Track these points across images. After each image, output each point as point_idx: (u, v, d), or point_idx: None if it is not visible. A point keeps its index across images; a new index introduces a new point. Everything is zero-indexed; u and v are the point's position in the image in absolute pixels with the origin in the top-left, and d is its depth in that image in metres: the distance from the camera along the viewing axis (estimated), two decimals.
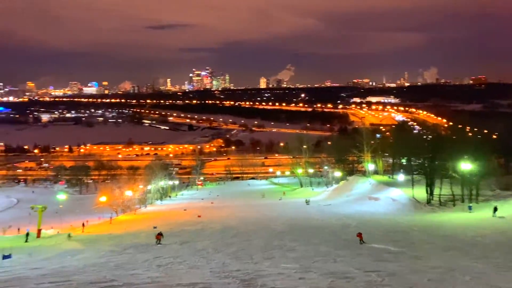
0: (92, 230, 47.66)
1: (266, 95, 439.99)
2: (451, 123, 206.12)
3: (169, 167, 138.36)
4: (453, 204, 47.40)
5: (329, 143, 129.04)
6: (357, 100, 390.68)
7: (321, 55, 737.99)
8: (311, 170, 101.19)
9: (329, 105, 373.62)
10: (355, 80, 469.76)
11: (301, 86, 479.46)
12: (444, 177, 50.83)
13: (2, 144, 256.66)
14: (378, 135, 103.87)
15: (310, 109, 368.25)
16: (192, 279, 15.73)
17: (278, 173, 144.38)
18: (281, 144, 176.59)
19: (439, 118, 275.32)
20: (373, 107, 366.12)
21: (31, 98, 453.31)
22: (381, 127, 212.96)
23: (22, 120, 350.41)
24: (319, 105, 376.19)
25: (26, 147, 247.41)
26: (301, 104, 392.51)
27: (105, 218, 60.47)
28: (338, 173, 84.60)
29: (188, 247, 27.69)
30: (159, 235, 30.64)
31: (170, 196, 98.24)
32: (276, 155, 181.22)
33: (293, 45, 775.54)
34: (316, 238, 29.45)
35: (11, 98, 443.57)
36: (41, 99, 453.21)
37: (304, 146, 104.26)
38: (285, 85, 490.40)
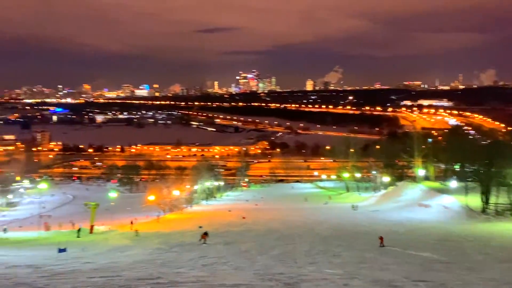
0: (140, 228, 49.27)
1: (313, 97, 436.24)
2: (510, 128, 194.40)
3: (215, 168, 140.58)
4: (511, 214, 44.60)
5: (377, 147, 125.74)
6: (408, 103, 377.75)
7: (370, 56, 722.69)
8: (358, 175, 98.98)
9: (378, 108, 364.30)
10: (405, 83, 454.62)
11: (349, 88, 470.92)
12: (501, 185, 47.90)
13: (60, 143, 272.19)
14: (429, 140, 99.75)
15: (358, 112, 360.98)
16: (236, 280, 15.81)
17: (324, 176, 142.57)
18: (327, 147, 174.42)
19: (497, 123, 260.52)
20: (425, 110, 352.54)
21: (87, 99, 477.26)
22: (433, 131, 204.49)
23: (79, 120, 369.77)
24: (367, 108, 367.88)
25: (81, 146, 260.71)
26: (348, 107, 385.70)
27: (152, 217, 62.33)
28: (386, 178, 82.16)
29: (232, 248, 27.93)
30: (205, 235, 31.11)
31: (215, 197, 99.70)
32: (322, 158, 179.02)
33: (341, 47, 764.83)
34: (362, 244, 28.72)
35: (69, 100, 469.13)
36: (96, 100, 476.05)
37: (351, 150, 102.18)
38: (332, 87, 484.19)
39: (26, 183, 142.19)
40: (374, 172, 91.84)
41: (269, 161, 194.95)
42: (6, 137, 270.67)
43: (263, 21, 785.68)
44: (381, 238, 27.58)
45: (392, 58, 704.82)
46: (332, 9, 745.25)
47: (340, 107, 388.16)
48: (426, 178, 72.65)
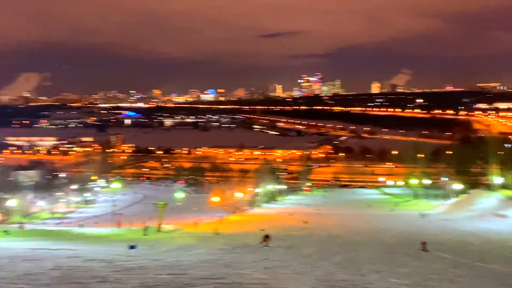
0: (203, 228, 50.72)
1: (379, 100, 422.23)
2: None
3: (277, 171, 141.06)
4: None
5: (448, 152, 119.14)
6: (483, 106, 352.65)
7: (441, 57, 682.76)
8: (427, 181, 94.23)
9: (449, 112, 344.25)
10: (480, 84, 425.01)
11: (418, 91, 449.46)
12: None
13: (132, 145, 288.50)
14: (507, 145, 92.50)
15: (427, 116, 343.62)
16: (298, 284, 15.74)
17: (390, 182, 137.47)
18: (394, 152, 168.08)
19: None
20: (502, 114, 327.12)
21: (157, 104, 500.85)
22: (511, 137, 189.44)
23: (149, 124, 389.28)
24: (437, 111, 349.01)
25: (151, 148, 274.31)
26: (417, 110, 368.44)
27: (216, 217, 63.93)
28: (458, 186, 77.41)
29: (294, 252, 27.82)
30: (266, 238, 31.28)
31: (276, 200, 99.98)
32: (388, 163, 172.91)
33: (409, 48, 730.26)
34: (431, 254, 27.28)
35: (140, 104, 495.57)
36: (165, 105, 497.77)
37: (420, 155, 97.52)
38: (400, 90, 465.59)
39: (101, 182, 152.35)
40: (444, 178, 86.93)
41: (329, 165, 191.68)
42: (84, 139, 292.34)
43: (327, 23, 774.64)
44: (423, 243, 27.64)
45: (465, 58, 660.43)
46: (399, 9, 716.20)
47: (408, 110, 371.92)
48: (504, 186, 67.45)
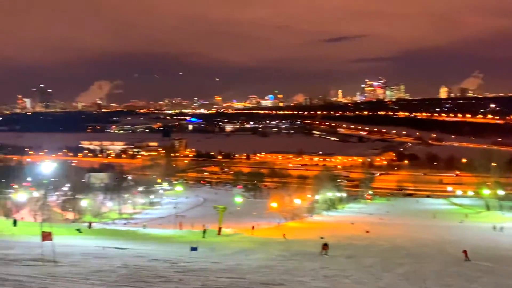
0: (260, 234, 50.89)
1: (447, 105, 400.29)
2: None
3: (337, 178, 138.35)
4: None
5: None
6: None
7: None
8: (501, 192, 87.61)
9: None
10: None
11: (491, 95, 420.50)
12: None
13: (194, 150, 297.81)
14: None
15: (501, 122, 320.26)
16: None
17: (459, 192, 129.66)
18: (464, 160, 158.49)
19: None
20: None
21: (218, 110, 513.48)
22: None
23: (210, 129, 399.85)
24: None
25: (212, 153, 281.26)
26: (490, 116, 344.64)
27: (274, 223, 63.90)
28: None
29: (355, 262, 27.03)
30: (326, 246, 30.71)
31: (336, 208, 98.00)
32: (457, 172, 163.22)
33: (482, 50, 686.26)
34: (506, 270, 25.23)
35: (202, 111, 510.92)
36: (225, 111, 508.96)
37: (494, 164, 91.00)
38: (470, 94, 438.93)
39: (165, 185, 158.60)
40: None
41: (387, 173, 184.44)
42: (150, 143, 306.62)
43: (392, 26, 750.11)
44: (465, 252, 27.15)
45: None
46: (472, 9, 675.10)
47: (479, 116, 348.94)
48: None
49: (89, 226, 50.95)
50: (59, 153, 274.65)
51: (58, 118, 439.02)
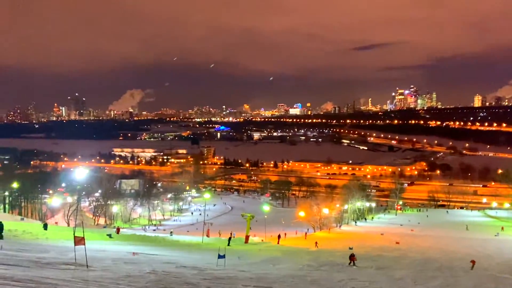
0: (288, 243, 50.47)
1: (481, 114, 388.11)
2: None
3: (367, 188, 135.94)
4: None
5: None
6: None
7: None
8: None
9: None
10: None
11: None
12: None
13: (222, 157, 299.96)
14: None
15: None
16: None
17: (495, 204, 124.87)
18: (500, 170, 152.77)
19: None
20: None
21: (246, 118, 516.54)
22: None
23: (238, 137, 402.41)
24: None
25: (240, 161, 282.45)
26: None
27: (301, 233, 63.28)
28: None
29: (385, 274, 26.39)
30: (353, 257, 30.18)
31: (366, 219, 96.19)
32: (493, 183, 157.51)
33: None
34: None
35: (231, 119, 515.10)
36: (253, 119, 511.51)
37: None
38: (506, 103, 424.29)
39: (193, 192, 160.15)
40: None
41: (412, 183, 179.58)
42: (180, 151, 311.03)
43: (422, 33, 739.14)
44: (473, 262, 27.39)
45: None
46: (508, 16, 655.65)
47: None
48: None
49: (117, 232, 51.95)
50: (92, 160, 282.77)
51: (91, 125, 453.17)
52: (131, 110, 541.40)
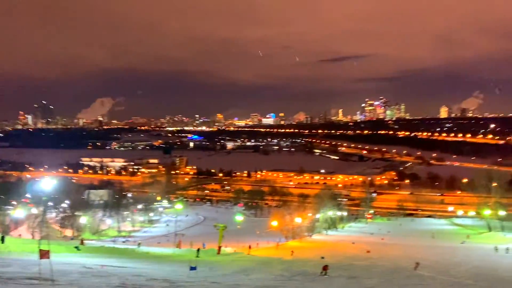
0: (257, 253, 50.30)
1: (447, 125, 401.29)
2: None
3: (338, 197, 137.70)
4: None
5: None
6: None
7: None
8: (502, 213, 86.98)
9: None
10: None
11: (491, 115, 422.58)
12: None
13: (195, 167, 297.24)
14: None
15: (502, 142, 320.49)
16: None
17: (460, 213, 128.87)
18: (465, 180, 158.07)
19: None
20: None
21: (219, 128, 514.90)
22: None
23: (211, 147, 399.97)
24: None
25: (213, 171, 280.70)
26: (490, 136, 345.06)
27: (273, 242, 63.28)
28: None
29: (356, 283, 26.66)
30: (326, 266, 30.34)
31: (337, 228, 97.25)
32: (458, 192, 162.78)
33: (483, 71, 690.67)
34: None
35: (204, 128, 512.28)
36: (227, 129, 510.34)
37: (494, 184, 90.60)
38: (470, 115, 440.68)
39: (165, 203, 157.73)
40: None
41: (381, 193, 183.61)
42: (151, 160, 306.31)
43: (393, 46, 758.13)
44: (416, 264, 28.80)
45: None
46: (475, 30, 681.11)
47: (480, 136, 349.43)
48: None
49: (81, 243, 50.22)
50: (59, 170, 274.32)
51: (59, 134, 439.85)
52: (101, 118, 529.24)
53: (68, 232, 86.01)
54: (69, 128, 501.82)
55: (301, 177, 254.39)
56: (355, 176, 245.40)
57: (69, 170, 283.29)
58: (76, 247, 43.90)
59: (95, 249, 47.22)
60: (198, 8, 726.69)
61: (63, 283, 17.72)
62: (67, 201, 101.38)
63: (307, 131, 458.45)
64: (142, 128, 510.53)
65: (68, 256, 34.01)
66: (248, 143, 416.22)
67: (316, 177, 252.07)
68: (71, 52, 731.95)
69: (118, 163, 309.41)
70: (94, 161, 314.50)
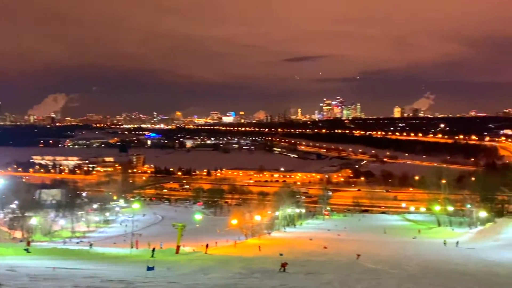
0: (215, 252, 50.18)
1: (400, 125, 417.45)
2: None
3: (297, 195, 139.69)
4: None
5: (473, 179, 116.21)
6: (509, 132, 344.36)
7: (466, 82, 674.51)
8: (451, 208, 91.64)
9: (473, 137, 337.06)
10: (506, 110, 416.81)
11: (441, 115, 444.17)
12: None
13: (152, 166, 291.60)
14: None
15: (450, 141, 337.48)
16: None
17: (412, 208, 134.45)
18: (416, 177, 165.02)
19: None
20: None
21: (178, 125, 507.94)
22: None
23: (170, 145, 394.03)
24: (461, 136, 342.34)
25: (171, 169, 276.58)
26: (440, 135, 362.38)
27: (232, 240, 63.29)
28: (483, 213, 74.95)
29: (314, 279, 27.17)
30: (285, 263, 30.72)
31: (295, 225, 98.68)
32: (410, 189, 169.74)
33: (434, 73, 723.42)
34: (457, 285, 26.20)
35: (162, 126, 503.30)
36: (186, 127, 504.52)
37: (444, 181, 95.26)
38: (422, 115, 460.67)
39: (121, 202, 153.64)
40: (469, 206, 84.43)
41: (338, 190, 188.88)
42: (107, 159, 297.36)
43: (350, 48, 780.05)
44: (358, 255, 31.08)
45: (490, 84, 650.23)
46: (428, 34, 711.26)
47: (430, 135, 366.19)
48: None
49: (28, 244, 47.85)
50: (8, 169, 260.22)
51: (8, 131, 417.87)
52: (54, 115, 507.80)
53: (18, 234, 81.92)
54: (19, 125, 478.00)
55: (261, 175, 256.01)
56: (313, 174, 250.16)
57: (19, 169, 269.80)
58: (25, 249, 41.92)
59: (46, 251, 45.27)
60: (160, 4, 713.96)
61: (12, 287, 16.88)
62: (16, 201, 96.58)
63: (267, 129, 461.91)
64: (98, 125, 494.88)
65: (17, 259, 32.43)
66: (208, 141, 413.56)
67: (276, 175, 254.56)
68: (23, 46, 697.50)
69: (72, 161, 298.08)
70: (46, 160, 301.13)
